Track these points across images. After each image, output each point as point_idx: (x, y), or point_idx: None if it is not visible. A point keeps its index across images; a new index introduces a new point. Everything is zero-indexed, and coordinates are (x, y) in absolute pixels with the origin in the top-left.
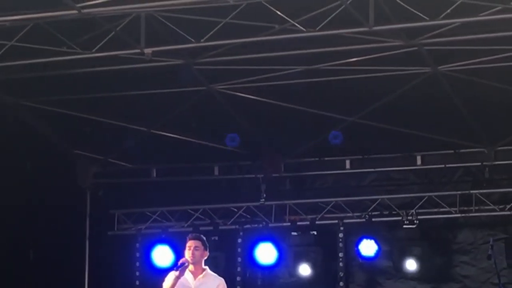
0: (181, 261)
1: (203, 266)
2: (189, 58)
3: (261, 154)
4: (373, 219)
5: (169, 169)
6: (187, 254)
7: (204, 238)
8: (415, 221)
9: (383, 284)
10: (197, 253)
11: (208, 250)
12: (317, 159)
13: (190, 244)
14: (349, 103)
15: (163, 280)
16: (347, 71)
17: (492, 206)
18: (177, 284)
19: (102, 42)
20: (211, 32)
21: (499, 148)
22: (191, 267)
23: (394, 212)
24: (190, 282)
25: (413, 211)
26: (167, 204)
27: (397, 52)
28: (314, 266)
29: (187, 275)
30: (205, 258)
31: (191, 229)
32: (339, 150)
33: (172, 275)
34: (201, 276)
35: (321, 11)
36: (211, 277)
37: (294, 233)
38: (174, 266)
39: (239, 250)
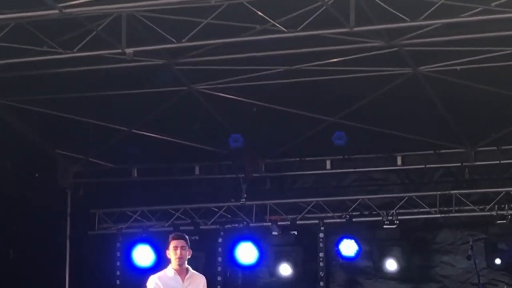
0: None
1: (187, 265)
2: (170, 58)
3: (242, 154)
4: (354, 219)
5: (150, 168)
6: (174, 254)
7: (187, 236)
8: (395, 221)
9: (363, 284)
10: (184, 252)
11: (190, 248)
12: (297, 159)
13: (176, 243)
14: (330, 104)
15: (143, 280)
16: (328, 72)
17: (472, 207)
18: (165, 285)
19: (84, 42)
20: (192, 32)
21: (479, 148)
22: (176, 266)
23: (374, 212)
24: (179, 283)
25: (394, 211)
26: (147, 203)
27: (378, 53)
28: (294, 266)
29: (174, 276)
30: (189, 257)
31: (171, 228)
32: (320, 151)
33: (154, 280)
34: (187, 276)
35: (302, 12)
36: (196, 276)
37: (274, 233)
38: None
39: (219, 249)
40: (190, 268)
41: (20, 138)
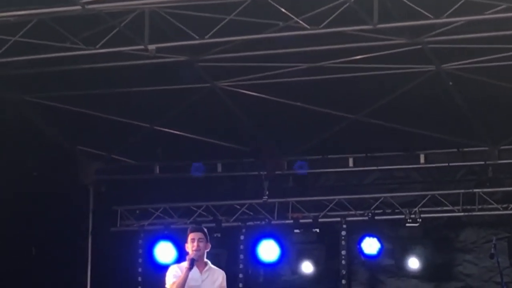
0: (190, 257)
1: (205, 259)
2: (193, 55)
3: (264, 152)
4: (376, 217)
5: (172, 165)
6: (191, 246)
7: (206, 230)
8: (418, 220)
9: (385, 282)
10: (201, 244)
11: (209, 241)
12: (320, 156)
13: (193, 236)
14: (352, 101)
15: (165, 277)
16: (350, 69)
17: (495, 205)
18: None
19: (106, 38)
20: (215, 29)
21: (503, 147)
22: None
23: (397, 211)
24: (198, 276)
25: (416, 209)
26: (170, 200)
27: (401, 50)
28: (316, 264)
29: (193, 269)
30: (208, 250)
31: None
32: (342, 148)
33: (175, 268)
34: (206, 269)
35: (325, 9)
36: (215, 270)
37: (296, 231)
38: (177, 262)
39: (241, 247)
40: (209, 262)
41: (41, 135)
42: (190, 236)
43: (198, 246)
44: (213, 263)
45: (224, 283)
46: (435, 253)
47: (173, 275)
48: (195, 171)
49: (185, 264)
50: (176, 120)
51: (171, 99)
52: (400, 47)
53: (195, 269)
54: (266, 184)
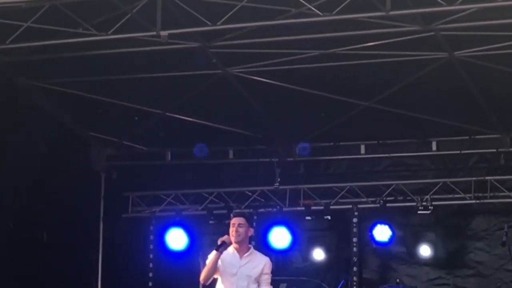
0: (220, 240)
1: (248, 244)
2: (205, 41)
3: (276, 138)
4: (388, 205)
5: (184, 152)
6: (231, 231)
7: (248, 215)
8: (429, 207)
9: (397, 269)
10: (241, 230)
11: (252, 226)
12: (331, 143)
13: (234, 221)
14: (364, 88)
15: (176, 263)
16: (363, 56)
17: (507, 193)
18: (224, 263)
19: (118, 24)
20: (228, 15)
21: None
22: (235, 245)
23: (408, 198)
24: (236, 261)
25: (428, 196)
26: (181, 187)
27: (414, 37)
28: (327, 251)
29: (233, 253)
30: (250, 235)
31: (205, 212)
32: (354, 135)
33: (212, 253)
34: (247, 254)
35: None
36: (257, 256)
37: (308, 218)
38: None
39: (253, 234)
40: (252, 248)
41: (53, 121)
42: (231, 221)
43: (237, 231)
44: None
45: (267, 270)
46: (446, 241)
47: (207, 259)
48: (199, 151)
49: (227, 249)
50: (188, 107)
51: (183, 85)
52: (413, 34)
53: (235, 254)
54: (278, 171)
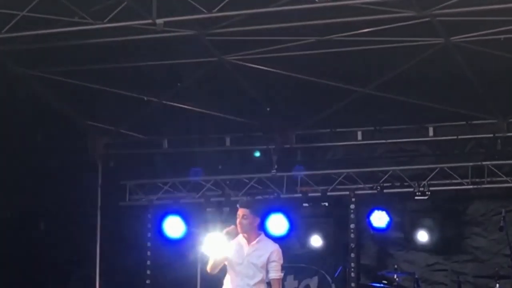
0: (225, 231)
1: (258, 232)
2: (201, 29)
3: (273, 125)
4: (385, 191)
5: (181, 140)
6: (236, 221)
7: (254, 203)
8: (427, 193)
9: (394, 255)
10: (244, 221)
11: (259, 215)
12: (328, 130)
13: (238, 212)
14: (361, 74)
15: (174, 251)
16: (359, 42)
17: (504, 178)
18: (232, 252)
19: (114, 13)
20: (223, 3)
21: None
22: (244, 234)
23: (405, 184)
24: (244, 249)
25: (425, 182)
26: (178, 175)
27: (409, 23)
28: (325, 238)
29: (242, 241)
30: (257, 224)
31: (202, 200)
32: (351, 122)
33: (212, 237)
34: (254, 242)
35: None
36: (265, 243)
37: (305, 205)
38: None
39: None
40: (262, 235)
41: (50, 110)
42: (238, 212)
43: (240, 223)
44: None
45: (274, 258)
46: (444, 226)
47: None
48: (194, 174)
49: (238, 237)
50: (184, 94)
51: (179, 73)
52: (408, 20)
53: (243, 242)
54: (275, 158)
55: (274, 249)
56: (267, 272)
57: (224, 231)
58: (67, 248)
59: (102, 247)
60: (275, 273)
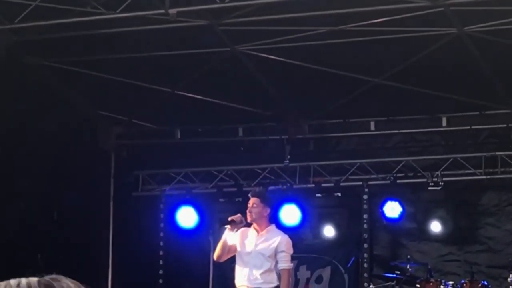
0: (230, 218)
1: (268, 222)
2: (214, 19)
3: (286, 115)
4: (398, 181)
5: (193, 130)
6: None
7: (265, 193)
8: (440, 183)
9: (407, 245)
10: (254, 210)
11: (269, 205)
12: (341, 120)
13: (249, 202)
14: (373, 64)
15: (187, 241)
16: (372, 32)
17: None
18: (242, 242)
19: (127, 3)
20: None
21: None
22: (254, 224)
23: (419, 174)
24: (253, 238)
25: (438, 172)
26: (191, 165)
27: (423, 13)
28: (338, 228)
29: (251, 231)
30: (267, 214)
31: (215, 190)
32: (364, 112)
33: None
34: (264, 231)
35: None
36: (273, 233)
37: (318, 195)
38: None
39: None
40: (271, 226)
41: (62, 100)
42: (249, 201)
43: (249, 212)
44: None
45: (282, 248)
46: (457, 216)
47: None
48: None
49: (248, 227)
50: (197, 84)
51: (192, 63)
52: (422, 10)
53: (253, 232)
54: (287, 148)
55: (282, 239)
56: (277, 262)
57: (229, 218)
58: (80, 238)
59: (115, 237)
60: (285, 263)
